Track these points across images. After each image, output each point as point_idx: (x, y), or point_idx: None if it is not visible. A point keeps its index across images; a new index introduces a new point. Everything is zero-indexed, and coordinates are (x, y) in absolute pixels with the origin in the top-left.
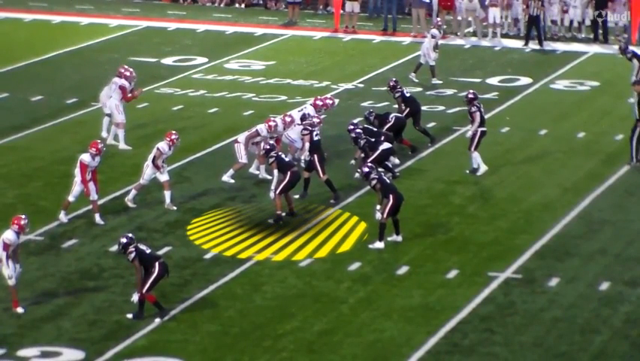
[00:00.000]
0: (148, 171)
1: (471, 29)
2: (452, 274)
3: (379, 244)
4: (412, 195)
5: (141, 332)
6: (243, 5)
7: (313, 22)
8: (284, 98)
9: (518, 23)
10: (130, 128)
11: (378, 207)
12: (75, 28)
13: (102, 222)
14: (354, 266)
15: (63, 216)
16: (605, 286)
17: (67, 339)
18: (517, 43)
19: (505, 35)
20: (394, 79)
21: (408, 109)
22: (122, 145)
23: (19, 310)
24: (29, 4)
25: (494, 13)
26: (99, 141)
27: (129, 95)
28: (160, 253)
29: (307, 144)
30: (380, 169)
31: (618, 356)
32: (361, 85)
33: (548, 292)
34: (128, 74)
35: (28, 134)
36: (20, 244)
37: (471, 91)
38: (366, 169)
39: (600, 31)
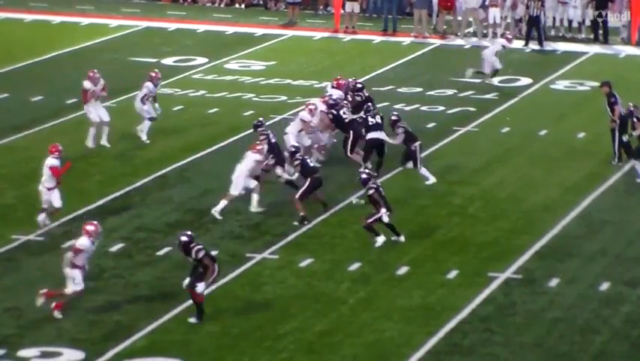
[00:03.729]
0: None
1: (471, 30)
2: (452, 274)
3: (380, 239)
4: (412, 196)
5: (141, 332)
6: (243, 5)
7: (313, 22)
8: (284, 98)
9: (520, 24)
10: (130, 129)
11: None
12: (75, 29)
13: (49, 223)
14: (355, 266)
15: (44, 219)
16: (605, 286)
17: (67, 339)
18: (518, 44)
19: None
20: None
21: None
22: (143, 137)
23: (58, 314)
24: (29, 4)
25: (494, 14)
26: (57, 144)
27: (91, 94)
28: (160, 253)
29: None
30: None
31: (618, 357)
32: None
33: (548, 293)
34: (91, 74)
35: (28, 135)
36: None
37: (394, 113)
38: (364, 176)
39: (600, 32)
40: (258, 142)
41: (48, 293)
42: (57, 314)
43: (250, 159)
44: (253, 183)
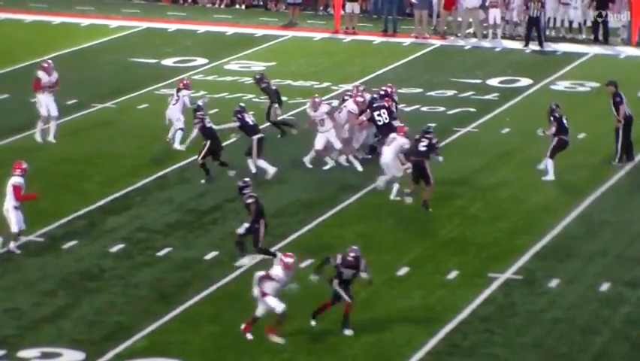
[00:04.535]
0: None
1: (471, 30)
2: (452, 274)
3: (244, 260)
4: (413, 196)
5: (141, 332)
6: (243, 6)
7: (313, 23)
8: (284, 98)
9: (508, 24)
10: (130, 129)
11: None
12: (75, 29)
13: (18, 251)
14: None
15: (14, 246)
16: (605, 287)
17: (67, 340)
18: (518, 44)
19: (506, 37)
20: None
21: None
22: (176, 145)
23: (249, 335)
24: (29, 4)
25: (494, 14)
26: (22, 161)
27: (44, 85)
28: (160, 254)
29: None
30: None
31: (618, 357)
32: (361, 86)
33: (549, 293)
34: (46, 65)
35: (29, 135)
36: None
37: (241, 104)
38: (240, 183)
39: (600, 32)
40: (402, 124)
41: (269, 329)
42: (277, 339)
43: (397, 142)
44: (399, 172)
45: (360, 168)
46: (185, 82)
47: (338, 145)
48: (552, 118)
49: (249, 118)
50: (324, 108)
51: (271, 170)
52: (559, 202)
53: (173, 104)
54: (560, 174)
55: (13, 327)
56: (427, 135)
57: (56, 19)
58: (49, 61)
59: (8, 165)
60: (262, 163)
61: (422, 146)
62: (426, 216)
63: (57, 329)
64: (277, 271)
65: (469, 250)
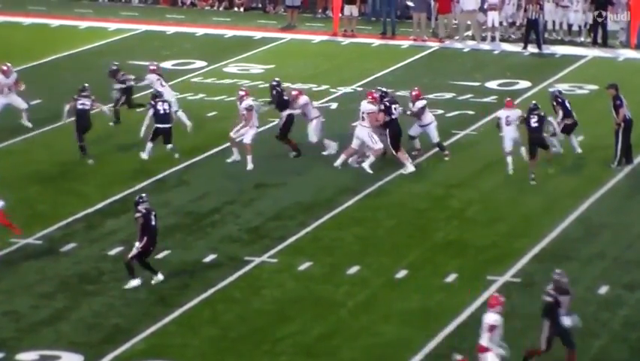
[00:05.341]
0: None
1: (469, 33)
2: (451, 277)
3: (134, 282)
4: (411, 199)
5: (140, 335)
6: (241, 9)
7: (312, 25)
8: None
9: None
10: (128, 132)
11: (137, 244)
12: (74, 32)
13: None
14: (353, 270)
15: None
16: (603, 289)
17: (65, 343)
18: (516, 47)
19: (503, 39)
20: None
21: None
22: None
23: None
24: (28, 7)
25: (493, 17)
26: None
27: (5, 86)
28: (159, 256)
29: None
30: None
31: (617, 360)
32: (360, 89)
33: None
34: (5, 68)
35: (27, 138)
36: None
37: (159, 90)
38: (137, 198)
39: (599, 35)
40: (511, 104)
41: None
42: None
43: (514, 116)
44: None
45: (370, 170)
46: (153, 66)
47: (247, 140)
48: (555, 103)
49: (162, 107)
50: (245, 104)
51: (145, 154)
52: (557, 205)
53: (168, 86)
54: (559, 176)
55: (11, 330)
56: (535, 112)
57: (55, 22)
58: (8, 64)
59: (7, 168)
60: (148, 146)
61: (534, 122)
62: (424, 218)
63: (55, 331)
64: (494, 317)
65: (468, 252)
